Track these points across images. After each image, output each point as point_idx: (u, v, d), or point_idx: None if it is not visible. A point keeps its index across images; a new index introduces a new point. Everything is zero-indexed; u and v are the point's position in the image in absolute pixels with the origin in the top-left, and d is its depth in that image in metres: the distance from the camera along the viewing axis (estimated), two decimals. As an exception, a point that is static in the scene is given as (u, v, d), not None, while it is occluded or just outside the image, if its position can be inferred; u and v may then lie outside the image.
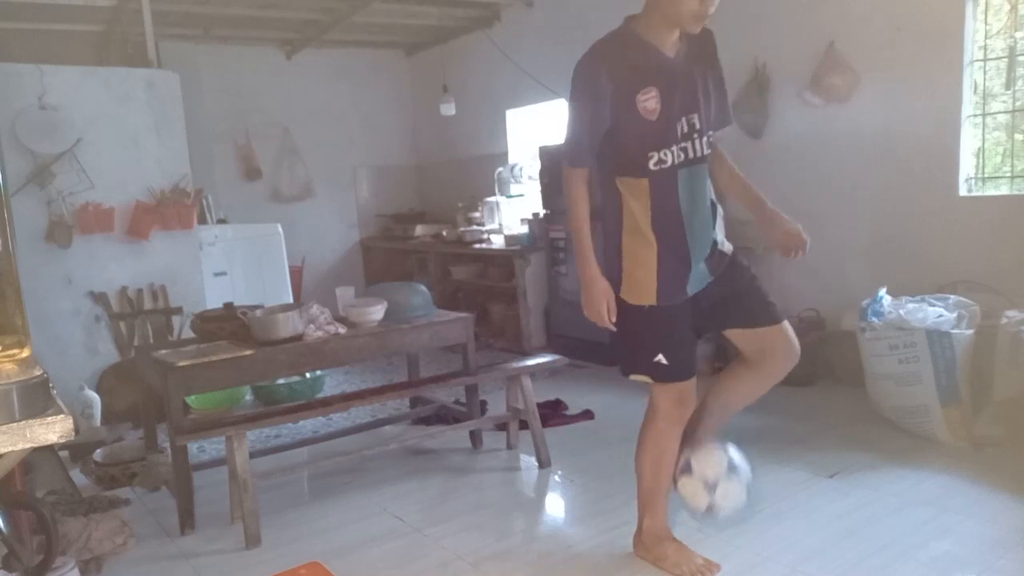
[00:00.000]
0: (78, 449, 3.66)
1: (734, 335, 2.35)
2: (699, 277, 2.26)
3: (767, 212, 2.30)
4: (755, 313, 2.30)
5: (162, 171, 4.64)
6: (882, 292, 3.56)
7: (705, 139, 2.19)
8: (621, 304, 2.25)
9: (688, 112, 2.15)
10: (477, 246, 6.08)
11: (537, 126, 6.42)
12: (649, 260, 2.20)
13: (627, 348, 2.35)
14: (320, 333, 3.14)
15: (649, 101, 2.10)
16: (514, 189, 6.33)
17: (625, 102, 2.10)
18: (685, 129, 2.15)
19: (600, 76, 2.11)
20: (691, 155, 2.17)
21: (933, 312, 3.31)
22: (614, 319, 2.24)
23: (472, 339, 3.57)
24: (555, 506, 3.17)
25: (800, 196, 4.43)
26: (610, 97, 2.11)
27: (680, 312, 2.27)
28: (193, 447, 3.68)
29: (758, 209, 2.31)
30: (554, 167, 5.31)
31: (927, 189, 3.89)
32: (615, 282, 2.25)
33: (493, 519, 2.95)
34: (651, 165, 2.14)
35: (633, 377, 2.32)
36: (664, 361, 2.25)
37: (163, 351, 3.14)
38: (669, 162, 2.14)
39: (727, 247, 2.33)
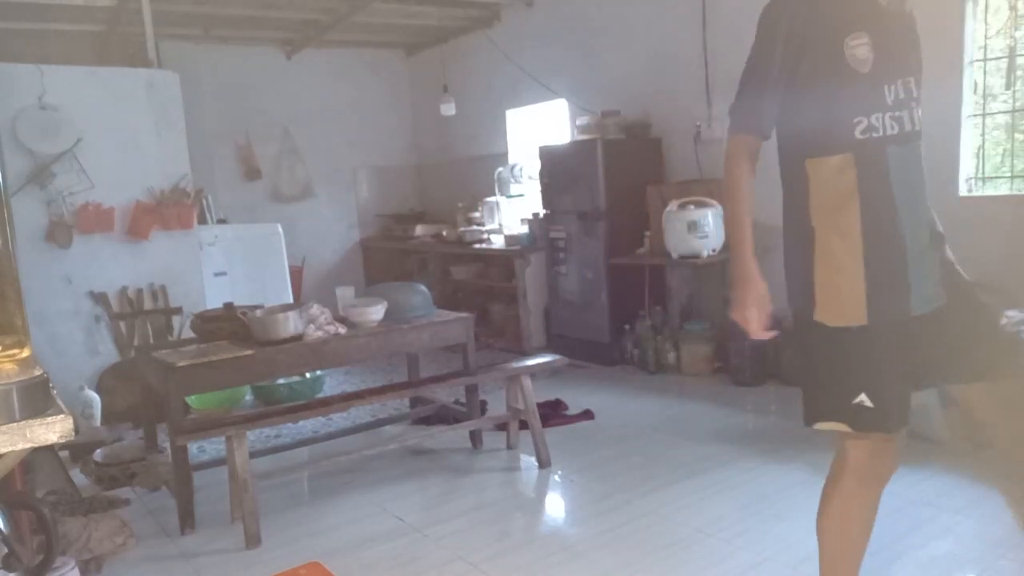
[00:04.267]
0: (78, 449, 3.66)
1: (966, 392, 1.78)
2: (923, 293, 1.71)
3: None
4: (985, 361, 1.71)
5: (162, 171, 4.63)
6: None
7: (919, 112, 1.71)
8: (815, 328, 1.74)
9: (904, 73, 1.68)
10: (477, 246, 6.08)
11: (537, 126, 6.42)
12: (854, 261, 1.68)
13: (814, 384, 1.79)
14: (320, 333, 3.14)
15: (860, 48, 1.63)
16: (514, 189, 6.33)
17: (828, 48, 1.64)
18: (901, 95, 1.67)
19: (796, 14, 1.66)
20: (906, 128, 1.68)
21: (934, 312, 3.29)
22: (761, 331, 1.76)
23: (472, 339, 3.57)
24: (555, 506, 3.17)
25: (800, 196, 4.43)
26: (807, 43, 1.65)
27: (897, 335, 1.69)
28: (193, 447, 3.68)
29: None
30: (554, 167, 5.33)
31: (927, 189, 3.89)
32: (807, 299, 1.75)
33: (493, 519, 2.95)
34: (858, 133, 1.65)
35: (820, 426, 1.77)
36: (868, 403, 1.68)
37: (163, 351, 3.14)
38: (880, 132, 1.65)
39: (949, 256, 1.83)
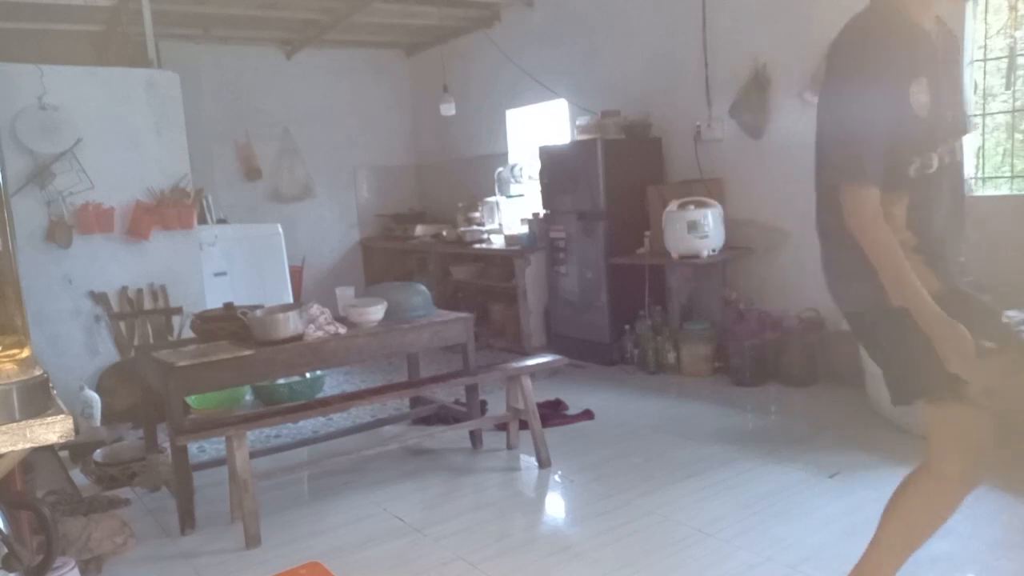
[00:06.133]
0: (78, 449, 3.66)
1: None
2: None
3: None
4: None
5: (162, 171, 4.64)
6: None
7: (961, 142, 1.80)
8: (895, 314, 1.70)
9: (953, 107, 1.76)
10: (477, 246, 6.08)
11: (537, 126, 6.42)
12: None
13: (904, 365, 1.77)
14: (320, 333, 3.14)
15: (921, 95, 1.68)
16: (514, 189, 6.33)
17: (895, 94, 1.67)
18: (948, 129, 1.75)
19: (894, 60, 1.66)
20: (956, 158, 1.76)
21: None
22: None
23: (472, 339, 3.57)
24: (555, 506, 3.17)
25: (800, 196, 4.40)
26: (878, 86, 1.67)
27: (963, 303, 1.73)
28: (193, 447, 3.68)
29: None
30: (554, 167, 5.33)
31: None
32: (878, 291, 1.70)
33: (493, 519, 2.95)
34: (911, 171, 1.70)
35: (923, 402, 1.75)
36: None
37: (163, 351, 3.14)
38: (934, 167, 1.71)
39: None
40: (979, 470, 1.78)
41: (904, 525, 1.85)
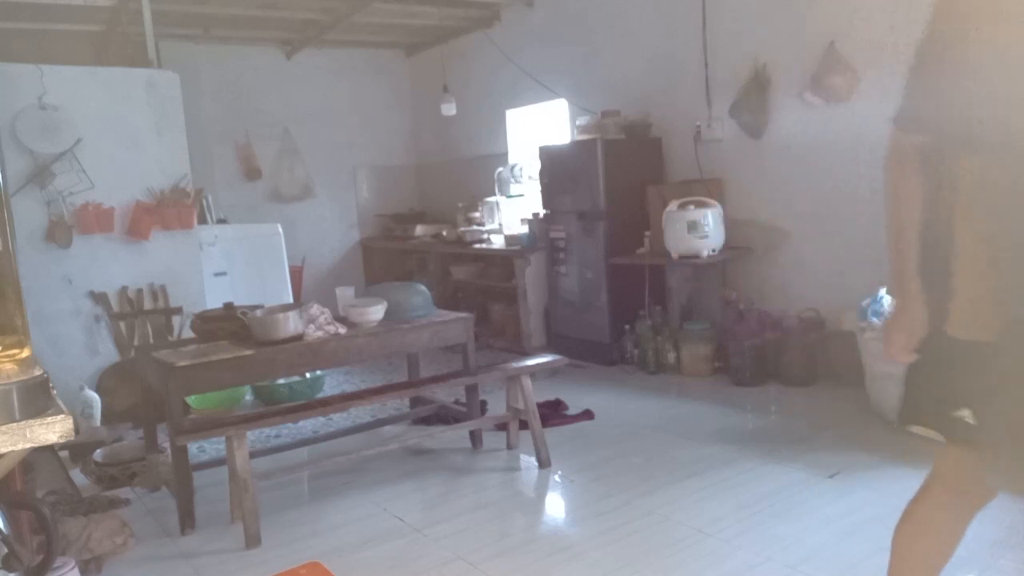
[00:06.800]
0: (78, 449, 3.66)
1: None
2: None
3: None
4: None
5: (162, 171, 4.64)
6: (882, 292, 3.56)
7: None
8: (942, 339, 1.57)
9: None
10: (477, 246, 6.08)
11: (537, 126, 6.42)
12: (1002, 271, 1.49)
13: (919, 387, 1.69)
14: (320, 333, 3.14)
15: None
16: (514, 189, 6.33)
17: (996, 36, 1.47)
18: None
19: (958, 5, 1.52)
20: None
21: (934, 312, 3.28)
22: (902, 356, 1.63)
23: (472, 339, 3.57)
24: (555, 506, 3.17)
25: (800, 196, 4.43)
26: (973, 29, 1.49)
27: None
28: (193, 447, 3.68)
29: None
30: (554, 167, 5.33)
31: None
32: (939, 311, 1.56)
33: (493, 519, 2.95)
34: (1013, 130, 1.47)
35: (914, 429, 1.71)
36: (969, 419, 1.54)
37: (163, 351, 3.14)
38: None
39: None
40: (982, 484, 1.71)
41: (907, 533, 1.80)
